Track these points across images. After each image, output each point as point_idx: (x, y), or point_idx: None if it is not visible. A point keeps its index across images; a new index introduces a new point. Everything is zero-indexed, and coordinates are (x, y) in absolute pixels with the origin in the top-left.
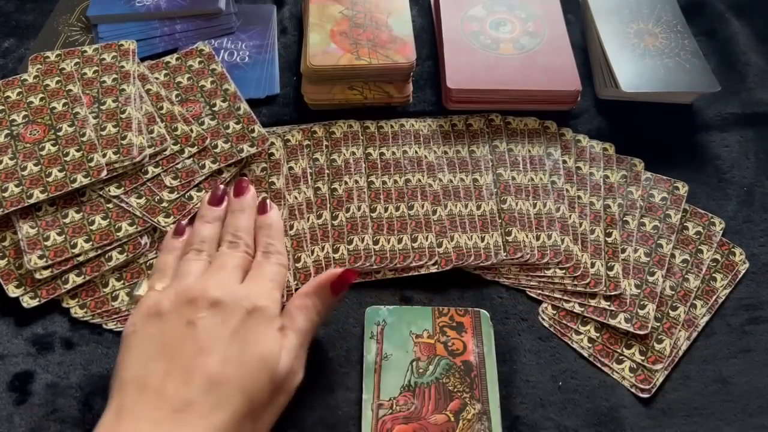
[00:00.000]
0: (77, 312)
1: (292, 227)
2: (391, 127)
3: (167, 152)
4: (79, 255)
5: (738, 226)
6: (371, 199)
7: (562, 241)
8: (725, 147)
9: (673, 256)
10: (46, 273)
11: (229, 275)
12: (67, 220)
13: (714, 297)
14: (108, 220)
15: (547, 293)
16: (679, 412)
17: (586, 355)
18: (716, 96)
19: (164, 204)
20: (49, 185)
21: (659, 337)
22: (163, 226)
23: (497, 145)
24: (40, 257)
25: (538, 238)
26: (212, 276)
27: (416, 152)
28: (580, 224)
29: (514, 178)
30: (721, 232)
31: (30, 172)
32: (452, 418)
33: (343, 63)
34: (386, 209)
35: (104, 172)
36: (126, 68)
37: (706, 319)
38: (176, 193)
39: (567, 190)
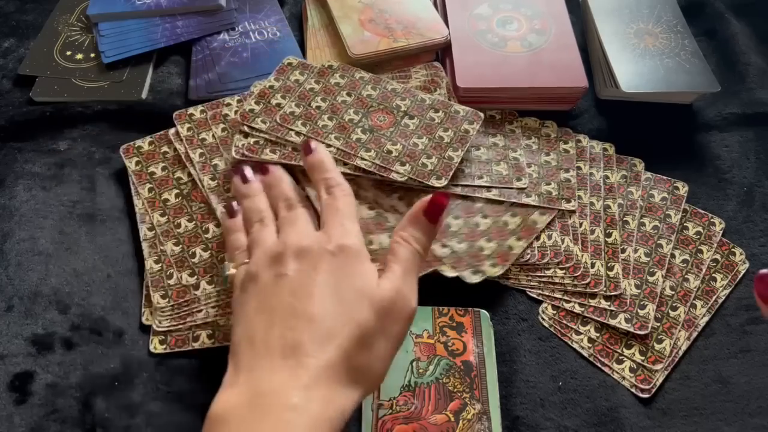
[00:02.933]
0: None
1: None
2: None
3: None
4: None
5: (738, 226)
6: None
7: (562, 241)
8: (725, 147)
9: (673, 256)
10: None
11: (303, 226)
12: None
13: (714, 297)
14: None
15: (547, 293)
16: (679, 412)
17: (586, 355)
18: (716, 96)
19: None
20: None
21: (659, 337)
22: None
23: (496, 144)
24: None
25: (538, 238)
26: (289, 232)
27: None
28: (581, 224)
29: None
30: (721, 232)
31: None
32: (452, 418)
33: (383, 48)
34: None
35: None
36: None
37: (706, 319)
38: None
39: None
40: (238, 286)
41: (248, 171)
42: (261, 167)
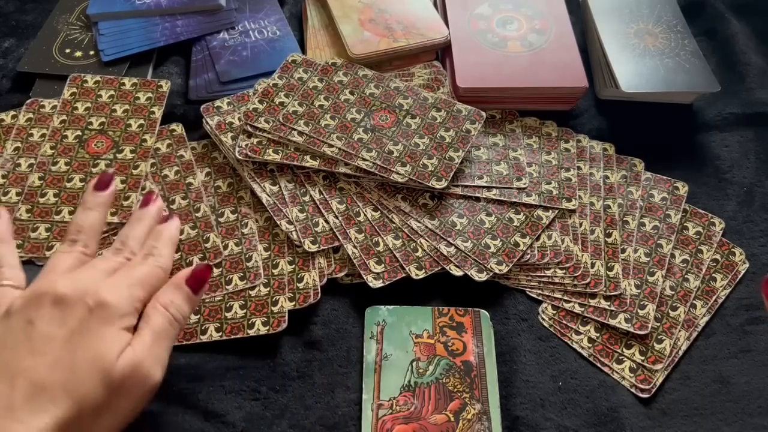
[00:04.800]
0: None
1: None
2: None
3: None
4: None
5: (738, 226)
6: None
7: (563, 241)
8: (725, 147)
9: (673, 256)
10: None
11: (90, 274)
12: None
13: (714, 297)
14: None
15: (547, 293)
16: (679, 412)
17: (586, 355)
18: (716, 96)
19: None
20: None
21: (659, 337)
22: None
23: (497, 143)
24: None
25: (538, 239)
26: (70, 273)
27: None
28: (580, 224)
29: None
30: (721, 232)
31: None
32: (452, 418)
33: (383, 48)
34: None
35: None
36: (156, 116)
37: (706, 319)
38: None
39: None
40: None
41: (107, 178)
42: (144, 197)
